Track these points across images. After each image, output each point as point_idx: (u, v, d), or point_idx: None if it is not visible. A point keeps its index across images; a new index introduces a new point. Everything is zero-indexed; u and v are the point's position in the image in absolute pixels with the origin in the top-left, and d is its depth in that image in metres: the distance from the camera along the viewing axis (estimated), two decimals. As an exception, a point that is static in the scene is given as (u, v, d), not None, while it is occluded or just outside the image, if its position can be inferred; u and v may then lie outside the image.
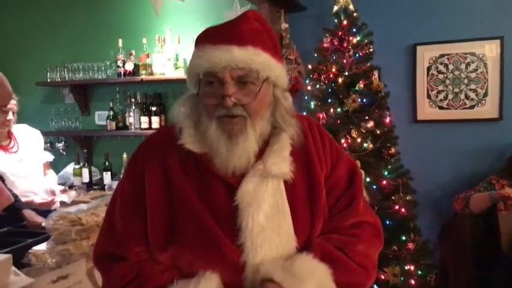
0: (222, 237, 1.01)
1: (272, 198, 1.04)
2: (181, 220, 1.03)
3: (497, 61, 3.09)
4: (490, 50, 3.10)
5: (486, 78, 3.13)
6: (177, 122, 1.09)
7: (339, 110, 2.67)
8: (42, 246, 1.80)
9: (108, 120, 3.76)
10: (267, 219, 1.02)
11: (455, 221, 2.92)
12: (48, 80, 3.84)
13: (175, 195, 1.05)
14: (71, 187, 3.52)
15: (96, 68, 3.77)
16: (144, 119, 3.63)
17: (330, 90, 2.72)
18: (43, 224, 1.72)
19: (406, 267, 2.64)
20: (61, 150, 3.99)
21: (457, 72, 3.18)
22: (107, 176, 3.65)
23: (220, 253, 1.01)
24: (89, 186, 3.65)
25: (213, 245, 1.01)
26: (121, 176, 3.32)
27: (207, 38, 1.04)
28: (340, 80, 2.68)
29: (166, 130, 1.14)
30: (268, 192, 1.04)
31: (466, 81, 3.17)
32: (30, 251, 1.78)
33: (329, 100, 2.71)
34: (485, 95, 3.14)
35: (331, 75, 2.70)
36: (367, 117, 2.65)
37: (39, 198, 2.62)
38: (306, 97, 2.83)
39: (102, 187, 3.61)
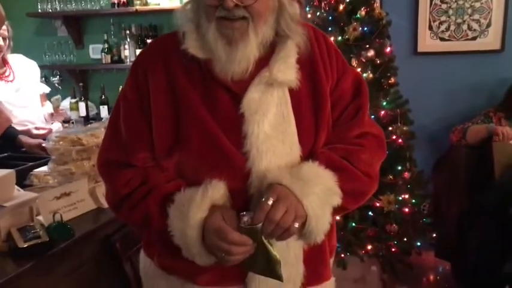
0: (227, 144, 1.01)
1: (277, 106, 1.03)
2: (187, 127, 1.02)
3: (502, -11, 3.00)
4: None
5: (490, 7, 3.05)
6: (179, 25, 1.04)
7: (339, 38, 2.61)
8: (43, 168, 1.83)
9: (103, 54, 3.69)
10: (272, 128, 1.02)
11: (451, 153, 2.97)
12: (40, 11, 3.71)
13: (181, 102, 1.03)
14: (67, 121, 3.53)
15: (88, -2, 3.64)
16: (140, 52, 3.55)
17: (330, 18, 2.64)
18: (43, 145, 1.73)
19: (400, 196, 2.70)
20: (56, 85, 3.94)
21: (461, 2, 3.09)
22: (103, 110, 3.64)
23: (226, 160, 1.01)
24: (86, 120, 3.64)
25: (218, 151, 1.01)
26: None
27: None
28: (341, 7, 2.60)
29: (169, 36, 1.10)
30: (273, 101, 1.03)
31: (469, 11, 3.09)
32: (31, 172, 1.80)
33: (329, 28, 2.64)
34: (489, 25, 3.08)
35: (332, 2, 2.61)
36: (367, 46, 2.60)
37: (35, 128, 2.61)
38: (295, 27, 2.75)
39: (99, 121, 3.61)
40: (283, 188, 0.96)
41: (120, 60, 3.68)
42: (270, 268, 0.96)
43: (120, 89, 3.40)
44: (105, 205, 1.69)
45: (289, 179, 0.98)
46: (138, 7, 3.47)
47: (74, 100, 3.69)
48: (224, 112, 1.03)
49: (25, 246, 1.29)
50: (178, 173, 1.05)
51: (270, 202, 0.93)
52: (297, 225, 0.95)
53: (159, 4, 3.46)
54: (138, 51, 3.56)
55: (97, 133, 1.77)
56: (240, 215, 0.95)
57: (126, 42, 3.61)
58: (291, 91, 1.05)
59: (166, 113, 1.03)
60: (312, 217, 0.97)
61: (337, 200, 1.01)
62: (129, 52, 3.60)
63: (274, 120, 1.02)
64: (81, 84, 3.74)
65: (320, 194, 0.98)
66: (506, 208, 2.14)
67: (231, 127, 1.02)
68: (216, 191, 0.98)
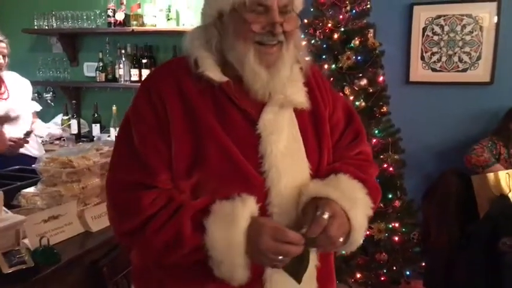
0: (245, 163, 1.03)
1: (288, 127, 1.08)
2: (205, 148, 1.02)
3: (492, 24, 3.08)
4: (486, 12, 3.08)
5: (481, 41, 3.12)
6: (190, 52, 1.07)
7: (333, 66, 2.65)
8: (32, 189, 1.80)
9: (97, 72, 3.68)
10: (285, 147, 1.06)
11: (441, 182, 2.98)
12: (36, 27, 3.72)
13: (198, 124, 1.03)
14: (59, 139, 3.51)
15: (85, 17, 3.66)
16: (134, 72, 3.57)
17: (325, 46, 2.69)
18: (33, 166, 1.71)
19: (390, 225, 2.70)
20: (49, 101, 3.92)
21: (452, 34, 3.16)
22: (96, 128, 3.62)
23: (245, 180, 1.02)
24: (78, 138, 3.62)
25: (237, 171, 1.02)
26: (114, 126, 3.32)
27: None
28: (335, 35, 2.65)
29: (178, 60, 1.12)
30: (285, 122, 1.08)
31: (460, 43, 3.16)
32: (20, 192, 1.78)
33: (324, 56, 2.69)
34: (479, 58, 3.14)
35: (327, 31, 2.66)
36: (360, 75, 2.64)
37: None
38: (301, 53, 2.79)
39: (90, 139, 3.59)
40: (336, 205, 1.02)
41: (115, 79, 3.67)
42: (298, 271, 1.01)
43: (113, 108, 3.40)
44: (94, 229, 1.68)
45: (337, 193, 1.03)
46: (134, 27, 3.49)
47: (66, 117, 3.68)
48: (240, 133, 1.05)
49: (10, 271, 1.26)
50: (195, 195, 1.04)
51: (326, 217, 0.98)
52: (341, 239, 1.01)
53: (155, 25, 3.48)
54: (132, 71, 3.57)
55: (88, 155, 1.76)
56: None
57: (121, 61, 3.61)
58: (296, 113, 1.10)
59: (185, 134, 1.03)
60: (357, 230, 1.03)
61: (370, 210, 1.08)
62: (124, 71, 3.61)
63: (287, 140, 1.07)
64: (74, 101, 3.73)
65: (361, 206, 1.05)
66: (495, 241, 2.14)
67: (247, 147, 1.04)
68: (252, 202, 1.00)
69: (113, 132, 3.45)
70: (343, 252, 2.56)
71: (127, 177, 1.03)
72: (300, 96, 1.10)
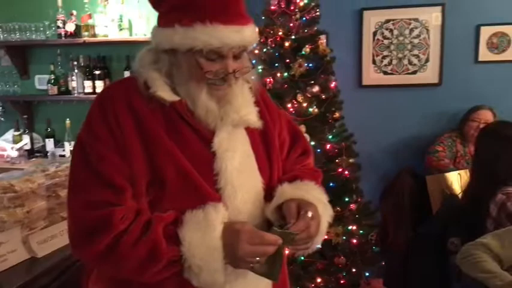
0: (201, 181, 1.05)
1: (241, 144, 1.12)
2: (161, 166, 1.03)
3: (438, 28, 3.19)
4: (432, 16, 3.18)
5: (428, 44, 3.23)
6: (140, 73, 1.08)
7: (285, 74, 2.67)
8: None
9: (49, 85, 3.58)
10: (240, 164, 1.09)
11: (396, 182, 3.06)
12: (-19, 40, 3.59)
13: (152, 142, 1.04)
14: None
15: (34, 29, 3.54)
16: (88, 83, 3.49)
17: (277, 54, 2.71)
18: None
19: (348, 227, 2.75)
20: (-2, 116, 3.79)
21: (401, 38, 3.25)
22: (49, 143, 3.52)
23: (202, 197, 1.04)
24: (31, 153, 3.52)
25: (194, 189, 1.04)
26: (68, 140, 3.24)
27: (213, 15, 1.01)
28: (286, 43, 2.67)
29: (128, 80, 1.13)
30: (238, 139, 1.12)
31: (409, 46, 3.26)
32: (-40, 220, 1.70)
33: (276, 64, 2.70)
34: (427, 60, 3.25)
35: (278, 39, 2.68)
36: (312, 82, 2.67)
37: None
38: (254, 61, 2.81)
39: (44, 154, 3.49)
40: (315, 207, 1.10)
41: (68, 92, 3.58)
42: (273, 270, 1.04)
43: (67, 121, 3.31)
44: (40, 254, 1.63)
45: (310, 197, 1.12)
46: (86, 38, 3.41)
47: (17, 133, 3.56)
48: (194, 151, 1.07)
49: None
50: (152, 212, 1.04)
51: (310, 215, 1.06)
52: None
53: (107, 35, 3.41)
54: (86, 83, 3.49)
55: (33, 178, 1.71)
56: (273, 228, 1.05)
57: (74, 73, 3.53)
58: (247, 131, 1.14)
59: (141, 153, 1.03)
60: (322, 233, 1.13)
61: (330, 214, 1.18)
62: (77, 83, 3.52)
63: (241, 157, 1.10)
64: (25, 116, 3.61)
65: (327, 211, 1.16)
66: (445, 240, 2.21)
67: (202, 165, 1.06)
68: (222, 208, 1.03)
69: (67, 147, 3.37)
70: (302, 257, 2.61)
71: (92, 197, 1.01)
72: (253, 116, 1.14)
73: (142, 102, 1.06)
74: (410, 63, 3.28)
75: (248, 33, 1.05)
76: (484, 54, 3.21)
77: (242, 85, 1.13)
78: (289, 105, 2.66)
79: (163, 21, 1.07)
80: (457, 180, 2.77)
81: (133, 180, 1.02)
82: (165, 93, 1.06)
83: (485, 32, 3.17)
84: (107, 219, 0.99)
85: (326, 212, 1.16)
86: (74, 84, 3.54)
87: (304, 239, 1.05)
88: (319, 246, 2.58)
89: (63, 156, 3.30)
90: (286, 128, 1.28)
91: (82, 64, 3.53)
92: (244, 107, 1.13)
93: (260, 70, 2.72)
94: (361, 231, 2.79)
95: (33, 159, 3.43)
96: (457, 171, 2.80)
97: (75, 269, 1.63)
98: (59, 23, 3.45)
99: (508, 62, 3.21)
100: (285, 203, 1.09)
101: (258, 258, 0.99)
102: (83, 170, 1.03)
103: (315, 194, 1.15)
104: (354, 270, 2.75)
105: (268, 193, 1.14)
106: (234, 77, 1.06)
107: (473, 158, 2.40)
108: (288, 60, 2.69)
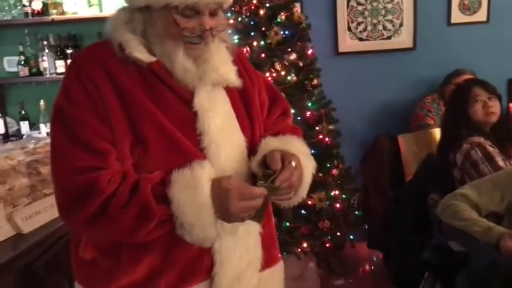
0: (185, 141, 1.04)
1: (222, 104, 1.12)
2: (142, 128, 1.02)
3: (411, -9, 3.21)
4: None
5: (401, 8, 3.25)
6: (113, 36, 1.05)
7: (262, 43, 2.66)
8: (-47, 196, 1.70)
9: (19, 66, 3.47)
10: (222, 123, 1.09)
11: (375, 147, 3.12)
12: None
13: (131, 104, 1.02)
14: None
15: (-2, 8, 3.42)
16: (60, 63, 3.40)
17: (252, 23, 2.69)
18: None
19: (331, 193, 2.80)
20: (-32, 102, 3.67)
21: (375, 4, 3.26)
22: (24, 126, 3.43)
23: (186, 157, 1.03)
24: (6, 137, 3.42)
25: (178, 150, 1.03)
26: (44, 122, 3.17)
27: None
28: (261, 12, 2.65)
29: (101, 44, 1.09)
30: (218, 99, 1.11)
31: (383, 12, 3.27)
32: None
33: (252, 33, 2.69)
34: (401, 25, 3.27)
35: (252, 7, 2.66)
36: (289, 50, 2.67)
37: None
38: (229, 31, 2.78)
39: (20, 138, 3.40)
40: (298, 159, 1.11)
41: (39, 73, 3.49)
42: (259, 215, 1.06)
43: (41, 103, 3.23)
44: (25, 230, 1.61)
45: (293, 149, 1.13)
46: (54, 16, 3.31)
47: (-11, 117, 3.46)
48: (175, 112, 1.06)
49: None
50: (137, 174, 1.03)
51: (294, 164, 1.08)
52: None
53: (77, 13, 3.32)
54: (58, 62, 3.40)
55: (11, 155, 1.68)
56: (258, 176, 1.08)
57: (44, 53, 3.43)
58: (226, 91, 1.14)
59: (121, 117, 1.02)
60: (305, 185, 1.15)
61: (314, 170, 1.19)
62: (48, 64, 3.43)
63: (222, 117, 1.10)
64: (-4, 99, 3.51)
65: (311, 164, 1.18)
66: (424, 198, 2.28)
67: (184, 125, 1.06)
68: (208, 165, 1.03)
69: (43, 129, 3.29)
70: (287, 224, 2.65)
71: (75, 163, 0.99)
72: (233, 75, 1.13)
73: (118, 64, 1.04)
74: (384, 28, 3.30)
75: None
76: (457, 16, 3.25)
77: (218, 44, 1.12)
78: (267, 74, 2.65)
79: None
80: (428, 138, 2.83)
81: (115, 143, 1.01)
82: (141, 54, 1.04)
83: (457, -6, 3.21)
84: (93, 184, 0.98)
85: (309, 163, 1.18)
86: (45, 64, 3.44)
87: (286, 188, 1.07)
88: (305, 209, 2.66)
89: (40, 138, 3.23)
90: (264, 89, 1.28)
91: (52, 43, 3.43)
92: (223, 65, 1.11)
93: (236, 40, 2.70)
94: (343, 196, 2.85)
95: (8, 143, 3.35)
96: (429, 130, 2.85)
97: (62, 244, 1.63)
98: (25, 1, 3.34)
99: (480, 23, 3.26)
100: (269, 153, 1.10)
101: (248, 213, 1.02)
102: (64, 137, 1.02)
103: (297, 146, 1.16)
104: (338, 233, 2.81)
105: (251, 151, 1.14)
106: (211, 34, 1.05)
107: (444, 113, 2.47)
108: (263, 29, 2.67)
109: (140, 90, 1.04)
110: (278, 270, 1.27)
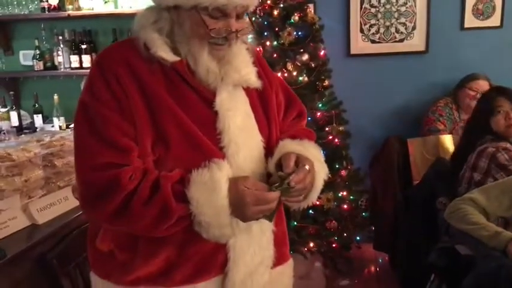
0: (205, 140, 1.07)
1: (241, 104, 1.15)
2: (164, 126, 1.05)
3: (424, -5, 3.21)
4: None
5: (414, 11, 3.25)
6: (139, 34, 1.08)
7: (275, 43, 2.68)
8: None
9: (34, 60, 3.53)
10: (241, 123, 1.12)
11: (384, 149, 3.12)
12: (-39, 16, 3.50)
13: (154, 102, 1.05)
14: (-1, 132, 3.36)
15: (15, 3, 3.47)
16: (74, 58, 3.45)
17: (265, 23, 2.71)
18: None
19: (339, 193, 2.81)
20: (-16, 94, 3.73)
21: (388, 6, 3.26)
22: (38, 119, 3.49)
23: (206, 155, 1.06)
24: (19, 130, 3.48)
25: (198, 148, 1.06)
26: (57, 116, 3.21)
27: None
28: (275, 12, 2.67)
29: (127, 42, 1.12)
30: (239, 99, 1.14)
31: (396, 14, 3.27)
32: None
33: (265, 33, 2.71)
34: (414, 28, 3.27)
35: (267, 7, 2.68)
36: (302, 50, 2.69)
37: None
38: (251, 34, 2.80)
39: (33, 130, 3.46)
40: (312, 163, 1.13)
41: (54, 67, 3.54)
42: (271, 214, 1.08)
43: (55, 97, 3.28)
44: (40, 221, 1.65)
45: (308, 154, 1.15)
46: (70, 12, 3.36)
47: (4, 109, 3.51)
48: (196, 110, 1.09)
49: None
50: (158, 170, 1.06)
51: (307, 168, 1.09)
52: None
53: (92, 9, 3.36)
54: (72, 57, 3.45)
55: (29, 147, 1.72)
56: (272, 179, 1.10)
57: (60, 48, 3.49)
58: (246, 92, 1.17)
59: (144, 114, 1.05)
60: (316, 190, 1.17)
61: (326, 176, 1.21)
62: (63, 58, 3.48)
63: (242, 116, 1.13)
64: (12, 92, 3.56)
65: (323, 170, 1.20)
66: (432, 202, 2.29)
67: (205, 124, 1.09)
68: (226, 165, 1.06)
69: (56, 122, 3.35)
70: (295, 223, 2.67)
71: (98, 159, 1.02)
72: (253, 76, 1.16)
73: (143, 63, 1.07)
74: (397, 31, 3.30)
75: None
76: (470, 20, 3.24)
77: (240, 46, 1.14)
78: (279, 74, 2.67)
79: None
80: (438, 143, 2.84)
81: (138, 140, 1.04)
82: (166, 54, 1.06)
83: (471, -2, 3.21)
84: (115, 180, 1.01)
85: (322, 170, 1.20)
86: (60, 59, 3.50)
87: (298, 190, 1.09)
88: (313, 209, 2.68)
89: (53, 132, 3.28)
90: (281, 91, 1.31)
91: (67, 38, 3.49)
92: (244, 66, 1.15)
93: (250, 39, 2.72)
94: (351, 197, 2.86)
95: (22, 135, 3.40)
96: (438, 136, 2.86)
97: (74, 236, 1.66)
98: (42, -3, 3.38)
99: (493, 28, 3.25)
100: (284, 154, 1.12)
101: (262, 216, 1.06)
102: (88, 134, 1.04)
103: (312, 151, 1.19)
104: (345, 234, 2.83)
105: (268, 151, 1.17)
106: (235, 36, 1.08)
107: (467, 120, 2.46)
108: (277, 29, 2.69)
109: (163, 89, 1.06)
110: (288, 267, 1.30)
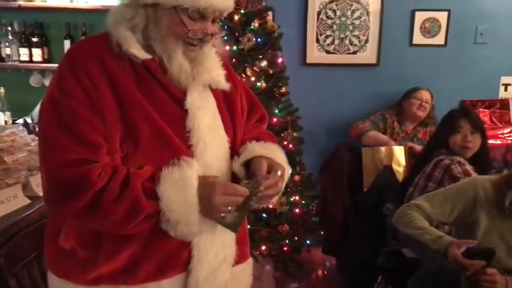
0: (174, 138, 1.08)
1: (210, 104, 1.18)
2: (134, 122, 1.05)
3: (377, 10, 3.37)
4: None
5: (368, 25, 3.40)
6: (112, 31, 1.08)
7: (234, 48, 2.71)
8: None
9: (-20, 51, 3.35)
10: (209, 122, 1.15)
11: (335, 156, 3.23)
12: None
13: (124, 99, 1.05)
14: None
15: (-40, -10, 3.29)
16: (24, 51, 3.31)
17: (226, 27, 2.73)
18: None
19: (291, 198, 2.88)
20: None
21: (343, 19, 3.40)
22: (-19, 113, 3.31)
23: (174, 153, 1.07)
24: (-39, 124, 3.29)
25: (167, 145, 1.08)
26: (2, 110, 3.06)
27: None
28: (236, 17, 2.70)
29: (99, 38, 1.12)
30: (208, 99, 1.18)
31: (351, 27, 3.41)
32: None
33: (225, 38, 2.73)
34: (367, 41, 3.42)
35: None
36: (260, 57, 2.74)
37: None
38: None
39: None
40: (283, 167, 1.18)
41: (1, 59, 3.37)
42: (236, 223, 1.11)
43: (1, 90, 3.12)
44: (-13, 219, 1.58)
45: (276, 157, 1.20)
46: (21, 2, 3.22)
47: None
48: (165, 108, 1.10)
49: None
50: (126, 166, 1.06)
51: (279, 173, 1.14)
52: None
53: (45, 1, 3.25)
54: (22, 50, 3.31)
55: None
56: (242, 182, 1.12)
57: (8, 39, 3.33)
58: (213, 93, 1.20)
59: (114, 110, 1.04)
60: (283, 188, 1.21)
61: (288, 176, 1.26)
62: (12, 50, 3.33)
63: (210, 116, 1.16)
64: (-47, 84, 3.36)
65: (288, 172, 1.24)
66: (380, 208, 2.41)
67: (174, 122, 1.10)
68: (195, 163, 1.08)
69: (2, 117, 3.19)
70: (249, 226, 2.70)
71: (67, 155, 1.01)
72: (223, 78, 1.20)
73: (114, 59, 1.07)
74: (351, 43, 3.44)
75: None
76: (418, 37, 3.43)
77: (211, 48, 1.17)
78: (237, 79, 2.71)
79: None
80: (389, 154, 2.98)
81: (107, 136, 1.04)
82: (137, 51, 1.07)
83: (419, 17, 3.39)
84: (85, 177, 1.00)
85: (287, 174, 1.25)
86: (8, 51, 3.34)
87: (271, 195, 1.14)
88: (266, 213, 2.73)
89: (-2, 126, 3.12)
90: (244, 95, 1.35)
91: (17, 30, 3.34)
92: (214, 68, 1.18)
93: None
94: (303, 202, 2.94)
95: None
96: (399, 147, 3.00)
97: (24, 235, 1.60)
98: (-9, -15, 3.22)
99: (438, 46, 3.46)
100: (255, 159, 1.16)
101: (229, 208, 1.07)
102: (57, 128, 1.03)
103: (279, 155, 1.24)
104: (296, 238, 2.90)
105: (233, 152, 1.20)
106: (210, 39, 1.11)
107: (431, 135, 2.58)
108: (237, 34, 2.73)
109: (134, 86, 1.07)
110: (248, 266, 1.34)
